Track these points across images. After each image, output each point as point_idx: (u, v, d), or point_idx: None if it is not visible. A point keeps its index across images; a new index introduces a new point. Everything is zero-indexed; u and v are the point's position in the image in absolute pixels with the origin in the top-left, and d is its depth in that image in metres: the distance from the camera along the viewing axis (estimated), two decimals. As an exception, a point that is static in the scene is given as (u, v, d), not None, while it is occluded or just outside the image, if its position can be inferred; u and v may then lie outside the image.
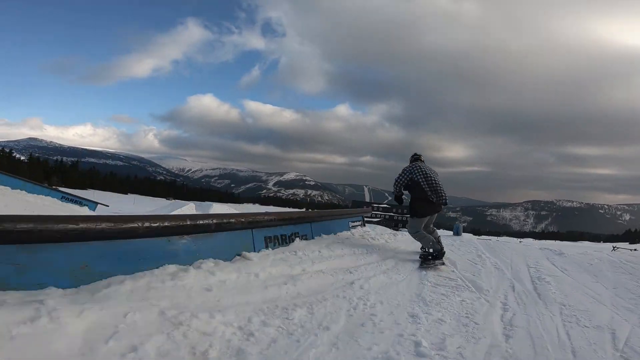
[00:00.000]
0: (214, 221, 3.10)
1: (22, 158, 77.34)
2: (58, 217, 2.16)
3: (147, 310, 2.01)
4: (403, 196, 4.81)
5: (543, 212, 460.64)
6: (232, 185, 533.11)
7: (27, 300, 1.84)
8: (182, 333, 1.93)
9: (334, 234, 5.75)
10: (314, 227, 5.14)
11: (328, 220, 5.91)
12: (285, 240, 4.18)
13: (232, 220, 3.33)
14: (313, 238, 5.01)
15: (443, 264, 4.50)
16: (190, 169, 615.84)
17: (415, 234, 4.77)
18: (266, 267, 3.13)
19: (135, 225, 2.49)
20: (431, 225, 5.08)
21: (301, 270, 3.40)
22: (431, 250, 4.54)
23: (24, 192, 11.53)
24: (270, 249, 3.82)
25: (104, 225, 2.30)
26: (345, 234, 6.13)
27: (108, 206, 21.21)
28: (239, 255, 3.29)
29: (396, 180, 4.73)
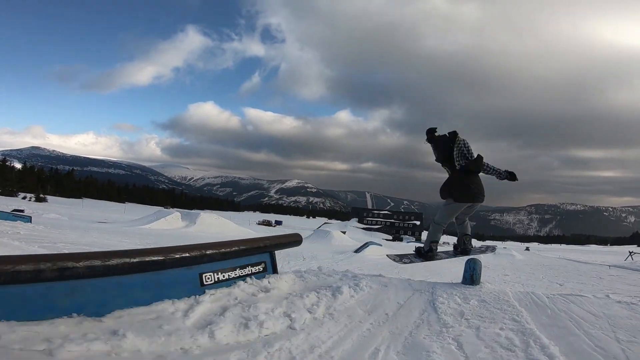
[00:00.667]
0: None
1: (18, 166, 76.59)
2: None
3: None
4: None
5: (547, 216, 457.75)
6: (234, 193, 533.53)
7: None
8: None
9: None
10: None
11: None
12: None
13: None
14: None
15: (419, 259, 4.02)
16: (192, 178, 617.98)
17: (438, 224, 3.90)
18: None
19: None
20: (467, 218, 4.09)
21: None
22: (425, 249, 4.00)
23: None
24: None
25: None
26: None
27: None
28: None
29: (467, 149, 3.71)
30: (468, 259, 3.75)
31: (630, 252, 31.59)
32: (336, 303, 2.90)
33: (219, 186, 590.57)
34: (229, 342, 2.17)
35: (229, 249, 2.89)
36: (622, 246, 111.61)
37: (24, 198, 53.06)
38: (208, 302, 2.50)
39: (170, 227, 25.56)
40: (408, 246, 39.89)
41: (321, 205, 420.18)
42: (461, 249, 4.15)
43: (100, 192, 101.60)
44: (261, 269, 3.21)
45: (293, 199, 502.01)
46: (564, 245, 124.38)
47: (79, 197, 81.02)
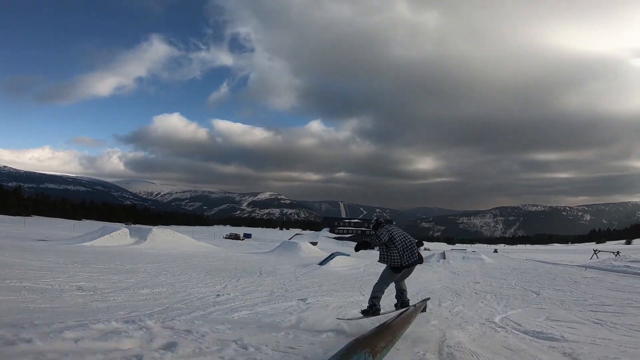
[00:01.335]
0: None
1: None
2: None
3: None
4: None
5: (511, 218, 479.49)
6: (204, 207, 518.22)
7: None
8: None
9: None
10: None
11: None
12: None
13: None
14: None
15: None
16: (159, 193, 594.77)
17: (381, 285, 4.69)
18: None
19: None
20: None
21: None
22: (368, 305, 4.64)
23: None
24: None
25: None
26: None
27: None
28: None
29: (377, 238, 4.54)
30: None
31: (595, 251, 32.38)
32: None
33: (187, 201, 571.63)
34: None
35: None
36: (582, 244, 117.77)
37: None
38: None
39: (116, 244, 22.97)
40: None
41: (295, 217, 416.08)
42: (400, 303, 4.85)
43: (52, 209, 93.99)
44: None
45: (266, 211, 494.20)
46: (528, 245, 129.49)
47: (28, 215, 74.17)
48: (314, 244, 49.39)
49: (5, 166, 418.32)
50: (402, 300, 4.88)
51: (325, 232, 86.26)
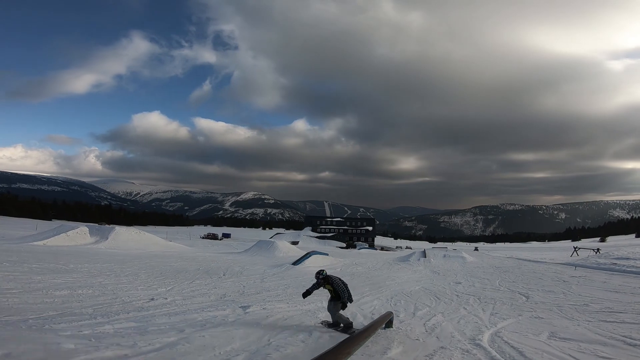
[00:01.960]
0: None
1: None
2: None
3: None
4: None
5: (490, 216, 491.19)
6: (186, 207, 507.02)
7: None
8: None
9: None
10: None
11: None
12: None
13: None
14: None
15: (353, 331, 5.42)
16: (139, 193, 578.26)
17: (338, 315, 5.68)
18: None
19: None
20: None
21: None
22: (342, 325, 5.66)
23: None
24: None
25: None
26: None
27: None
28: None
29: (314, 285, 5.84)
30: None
31: (575, 248, 32.39)
32: None
33: (168, 201, 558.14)
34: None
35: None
36: (559, 242, 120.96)
37: None
38: None
39: (73, 244, 21.04)
40: (360, 253, 37.96)
41: (280, 216, 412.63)
42: (342, 328, 5.67)
43: (21, 210, 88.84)
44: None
45: (250, 211, 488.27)
46: (507, 244, 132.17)
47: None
48: (295, 243, 48.04)
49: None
50: (341, 323, 5.72)
51: (307, 231, 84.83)
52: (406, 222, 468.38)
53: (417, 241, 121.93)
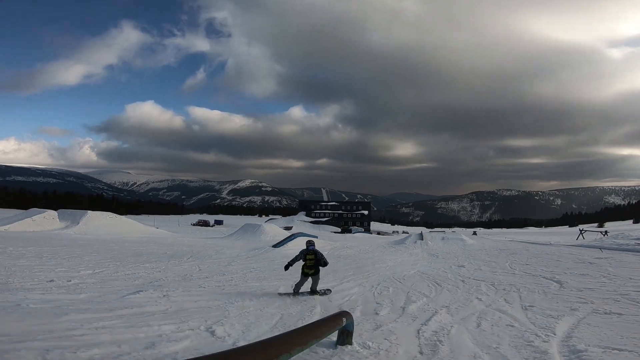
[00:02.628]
0: None
1: None
2: None
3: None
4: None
5: (487, 202, 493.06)
6: (183, 196, 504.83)
7: None
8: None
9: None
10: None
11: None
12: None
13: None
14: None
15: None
16: (135, 183, 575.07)
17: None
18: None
19: None
20: None
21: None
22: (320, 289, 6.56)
23: None
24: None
25: None
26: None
27: None
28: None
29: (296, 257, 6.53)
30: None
31: (581, 231, 30.99)
32: None
33: (165, 190, 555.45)
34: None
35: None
36: (556, 227, 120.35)
37: None
38: None
39: (39, 229, 19.27)
40: (355, 237, 36.44)
41: (277, 204, 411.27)
42: (313, 292, 6.43)
43: (10, 201, 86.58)
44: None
45: (247, 199, 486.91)
46: (504, 229, 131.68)
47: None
48: (289, 228, 46.47)
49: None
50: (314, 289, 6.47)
51: (301, 216, 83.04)
52: (403, 209, 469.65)
53: (415, 227, 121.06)
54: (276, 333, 3.56)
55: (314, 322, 3.15)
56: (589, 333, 3.60)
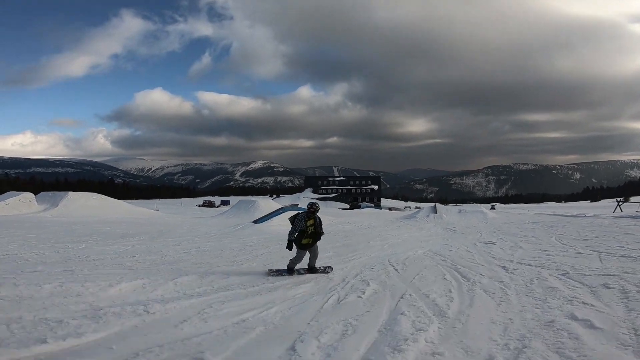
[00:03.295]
0: None
1: None
2: None
3: None
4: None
5: (502, 177, 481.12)
6: (197, 180, 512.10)
7: None
8: None
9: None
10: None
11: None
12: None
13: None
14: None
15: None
16: (150, 168, 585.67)
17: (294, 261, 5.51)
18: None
19: None
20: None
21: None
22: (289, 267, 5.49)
23: None
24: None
25: None
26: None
27: None
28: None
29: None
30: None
31: (618, 202, 28.16)
32: None
33: (180, 175, 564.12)
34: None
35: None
36: (577, 202, 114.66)
37: None
38: None
39: (14, 212, 17.65)
40: (362, 212, 34.07)
41: (290, 184, 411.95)
42: (311, 269, 5.49)
43: (20, 191, 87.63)
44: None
45: (260, 180, 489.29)
46: (522, 204, 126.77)
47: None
48: (295, 205, 44.54)
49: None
50: (312, 266, 5.58)
51: (307, 192, 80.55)
52: (417, 185, 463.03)
53: (428, 203, 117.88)
54: None
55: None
56: None
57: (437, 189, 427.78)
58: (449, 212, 20.30)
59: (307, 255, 5.36)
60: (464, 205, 26.05)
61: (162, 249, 7.14)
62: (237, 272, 5.09)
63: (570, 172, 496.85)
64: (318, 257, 5.47)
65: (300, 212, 5.65)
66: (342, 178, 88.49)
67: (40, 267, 4.93)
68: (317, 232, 5.33)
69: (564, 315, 2.97)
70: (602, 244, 6.98)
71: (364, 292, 3.93)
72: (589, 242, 7.31)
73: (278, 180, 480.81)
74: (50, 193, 21.96)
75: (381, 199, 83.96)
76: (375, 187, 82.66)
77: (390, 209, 63.31)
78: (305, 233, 5.25)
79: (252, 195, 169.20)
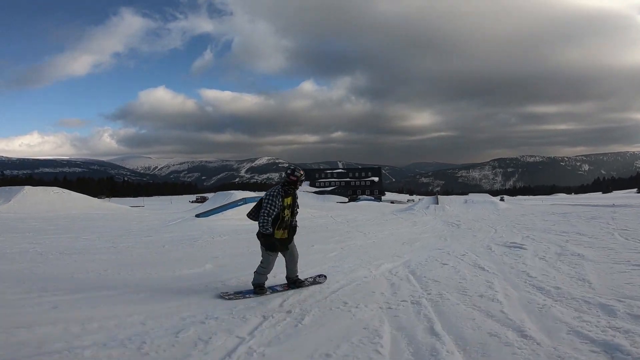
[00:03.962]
0: None
1: None
2: None
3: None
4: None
5: (509, 169, 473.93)
6: (203, 177, 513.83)
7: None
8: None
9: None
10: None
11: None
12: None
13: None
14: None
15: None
16: (157, 167, 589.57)
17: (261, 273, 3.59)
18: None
19: None
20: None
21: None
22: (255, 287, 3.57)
23: None
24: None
25: None
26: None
27: None
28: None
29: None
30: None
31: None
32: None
33: (186, 172, 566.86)
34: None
35: None
36: (587, 194, 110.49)
37: None
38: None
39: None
40: (357, 205, 31.57)
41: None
42: (293, 282, 3.78)
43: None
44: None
45: (265, 176, 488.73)
46: (531, 196, 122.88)
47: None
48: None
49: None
50: (295, 280, 3.79)
51: (304, 186, 78.09)
52: (423, 179, 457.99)
53: (433, 196, 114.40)
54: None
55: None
56: None
57: (443, 182, 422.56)
58: (453, 203, 17.76)
59: (281, 259, 3.55)
60: (470, 195, 23.20)
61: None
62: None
63: (578, 164, 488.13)
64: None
65: (272, 189, 3.59)
66: (340, 170, 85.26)
67: None
68: (293, 224, 3.60)
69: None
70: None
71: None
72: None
73: (283, 176, 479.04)
74: (7, 188, 19.92)
75: (385, 192, 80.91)
76: (376, 179, 79.20)
77: (392, 202, 60.72)
78: (281, 220, 3.47)
79: (256, 191, 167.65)
